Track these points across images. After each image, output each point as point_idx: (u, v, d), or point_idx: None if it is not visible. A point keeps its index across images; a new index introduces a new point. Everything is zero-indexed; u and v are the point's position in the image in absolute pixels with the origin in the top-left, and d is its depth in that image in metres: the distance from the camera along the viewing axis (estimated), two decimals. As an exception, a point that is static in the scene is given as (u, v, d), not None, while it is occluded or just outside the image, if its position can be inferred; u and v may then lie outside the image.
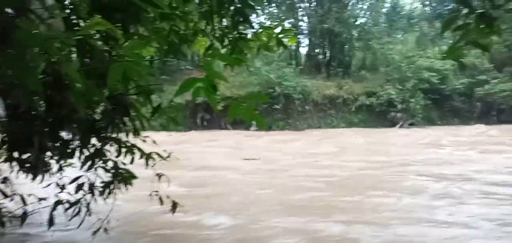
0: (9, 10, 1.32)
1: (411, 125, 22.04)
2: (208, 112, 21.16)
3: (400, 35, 28.15)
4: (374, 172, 8.09)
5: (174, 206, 3.70)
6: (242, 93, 21.60)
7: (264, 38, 4.35)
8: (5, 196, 3.41)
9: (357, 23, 26.68)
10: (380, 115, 22.68)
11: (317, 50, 27.67)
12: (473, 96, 23.80)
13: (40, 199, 3.54)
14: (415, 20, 28.63)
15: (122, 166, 3.47)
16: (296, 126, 22.01)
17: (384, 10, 28.09)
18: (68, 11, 2.32)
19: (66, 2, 2.32)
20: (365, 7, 27.20)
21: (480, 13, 2.79)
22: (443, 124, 23.00)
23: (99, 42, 2.72)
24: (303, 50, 28.33)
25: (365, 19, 27.12)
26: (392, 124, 22.13)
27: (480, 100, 23.63)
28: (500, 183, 6.82)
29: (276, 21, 24.99)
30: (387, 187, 6.69)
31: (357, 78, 24.83)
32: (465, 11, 2.86)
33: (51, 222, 3.33)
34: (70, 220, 3.64)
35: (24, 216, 3.35)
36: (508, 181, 7.00)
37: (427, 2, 28.23)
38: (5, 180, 3.50)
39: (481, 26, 2.89)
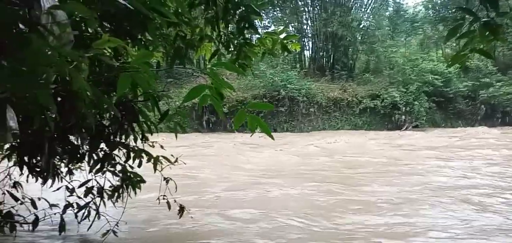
0: (21, 26, 1.36)
1: (415, 127, 22.02)
2: (213, 115, 21.27)
3: (403, 39, 28.13)
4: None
5: (181, 210, 3.76)
6: (247, 96, 21.74)
7: (269, 43, 4.41)
8: (16, 200, 3.49)
9: (360, 26, 26.70)
10: (384, 117, 22.69)
11: (321, 53, 27.72)
12: (477, 99, 23.76)
13: (51, 205, 3.61)
14: (418, 23, 28.59)
15: (130, 170, 3.54)
16: (301, 128, 22.08)
17: (387, 13, 28.10)
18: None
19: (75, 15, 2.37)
20: (368, 11, 27.26)
21: (485, 21, 2.82)
22: (447, 126, 22.97)
23: (108, 51, 2.79)
24: (307, 53, 28.42)
25: (368, 22, 27.15)
26: (397, 126, 22.13)
27: (484, 103, 23.58)
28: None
29: (280, 25, 25.10)
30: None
31: (361, 81, 24.86)
32: (469, 19, 2.90)
33: (62, 227, 3.40)
34: (80, 223, 3.72)
35: (36, 221, 3.42)
36: None
37: (430, 6, 28.18)
38: (15, 184, 3.57)
39: (486, 34, 2.93)
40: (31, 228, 3.42)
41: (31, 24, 1.21)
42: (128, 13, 2.71)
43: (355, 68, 26.64)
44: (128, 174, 3.58)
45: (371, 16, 26.99)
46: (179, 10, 3.83)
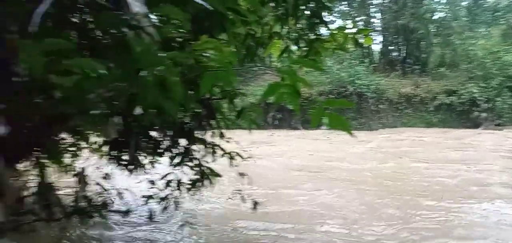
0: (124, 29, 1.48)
1: (498, 125, 20.28)
2: (279, 112, 21.31)
3: (483, 30, 25.99)
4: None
5: (255, 204, 3.84)
6: (313, 93, 21.49)
7: (340, 39, 4.33)
8: (105, 190, 3.80)
9: (434, 18, 25.15)
10: (461, 115, 21.16)
11: (391, 48, 26.58)
12: None
13: (144, 197, 3.88)
14: (500, 13, 26.21)
15: (207, 165, 3.70)
16: (369, 126, 21.35)
17: (464, 3, 26.15)
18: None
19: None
20: (443, 1, 25.60)
21: None
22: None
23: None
24: (375, 47, 27.39)
25: (443, 13, 25.47)
26: (475, 124, 20.55)
27: None
28: None
29: (347, 19, 24.47)
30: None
31: (435, 76, 23.38)
32: None
33: (151, 217, 3.66)
34: (161, 213, 3.96)
35: (128, 211, 3.72)
36: None
37: (515, -8, 25.73)
38: (106, 176, 3.90)
39: None
40: (122, 216, 3.71)
41: (132, 27, 1.31)
42: (207, 14, 2.82)
43: (429, 63, 25.15)
44: (203, 168, 3.74)
45: (447, 7, 25.30)
46: (251, 9, 3.91)
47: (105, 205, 3.55)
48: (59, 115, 1.55)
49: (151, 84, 1.32)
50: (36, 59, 1.07)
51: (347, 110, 21.49)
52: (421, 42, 25.04)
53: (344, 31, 4.31)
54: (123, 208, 3.82)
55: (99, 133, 1.96)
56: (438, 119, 21.35)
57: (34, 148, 2.23)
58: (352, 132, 2.12)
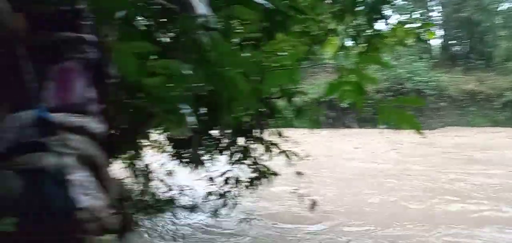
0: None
1: None
2: (332, 110, 20.88)
3: (557, 19, 23.87)
4: None
5: (313, 204, 3.82)
6: (369, 90, 20.77)
7: (401, 34, 4.18)
8: (170, 187, 3.97)
9: (500, 8, 23.47)
10: (532, 112, 19.56)
11: (452, 42, 25.18)
12: None
13: (209, 194, 4.01)
14: None
15: (265, 164, 3.72)
16: (429, 125, 20.32)
17: (536, -9, 24.16)
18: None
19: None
20: (511, -10, 23.84)
21: None
22: None
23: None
24: (435, 42, 26.03)
25: (510, 4, 23.70)
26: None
27: None
28: None
29: (404, 14, 23.48)
30: None
31: (502, 71, 21.79)
32: None
33: (216, 213, 3.77)
34: (218, 210, 4.06)
35: (194, 206, 3.86)
36: None
37: None
38: (169, 173, 4.06)
39: None
40: (189, 212, 3.85)
41: (207, 29, 1.35)
42: (267, 13, 2.84)
43: (495, 57, 23.49)
44: (259, 166, 3.78)
45: (515, -4, 23.55)
46: (310, 6, 3.87)
47: (172, 200, 3.70)
48: (146, 115, 1.64)
49: (230, 83, 1.35)
50: (129, 61, 1.14)
51: (405, 109, 20.48)
52: (486, 35, 23.48)
53: (405, 26, 4.16)
54: (189, 204, 3.96)
55: (174, 131, 2.04)
56: (505, 118, 19.85)
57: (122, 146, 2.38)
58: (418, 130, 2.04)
